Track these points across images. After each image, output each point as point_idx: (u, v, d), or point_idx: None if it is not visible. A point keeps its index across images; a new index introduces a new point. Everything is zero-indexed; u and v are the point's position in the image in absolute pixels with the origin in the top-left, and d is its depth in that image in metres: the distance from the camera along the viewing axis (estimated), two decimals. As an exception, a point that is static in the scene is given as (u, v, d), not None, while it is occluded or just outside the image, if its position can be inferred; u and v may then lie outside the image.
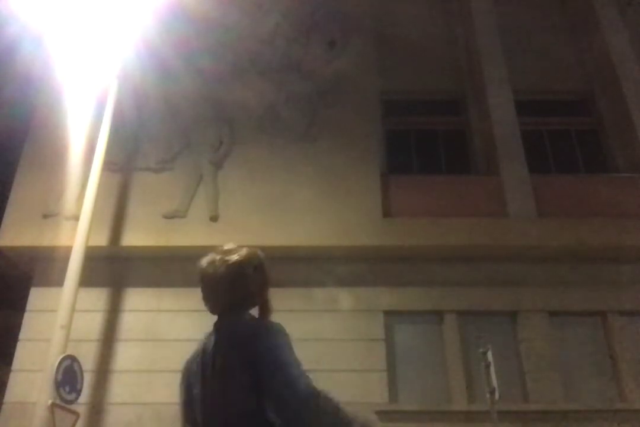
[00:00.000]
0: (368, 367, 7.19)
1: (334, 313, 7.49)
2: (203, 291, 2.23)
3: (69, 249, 6.47)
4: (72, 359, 6.02)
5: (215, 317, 2.19)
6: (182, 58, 8.52)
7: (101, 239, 7.45)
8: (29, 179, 7.96)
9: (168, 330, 7.38)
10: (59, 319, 6.03)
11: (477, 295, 7.63)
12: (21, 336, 7.28)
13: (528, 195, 8.13)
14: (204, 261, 2.27)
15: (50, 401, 5.57)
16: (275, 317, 7.38)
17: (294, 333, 6.90)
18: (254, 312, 2.18)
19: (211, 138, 8.41)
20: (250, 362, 1.88)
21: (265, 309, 2.16)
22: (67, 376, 5.86)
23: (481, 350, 6.45)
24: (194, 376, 2.05)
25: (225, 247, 2.26)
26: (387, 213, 7.96)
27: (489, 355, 6.32)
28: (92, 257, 6.65)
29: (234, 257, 2.17)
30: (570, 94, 9.69)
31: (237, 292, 2.13)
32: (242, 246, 2.25)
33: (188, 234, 7.64)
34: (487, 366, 6.26)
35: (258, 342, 1.93)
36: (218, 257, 2.22)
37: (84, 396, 6.46)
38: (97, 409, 6.93)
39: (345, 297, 7.58)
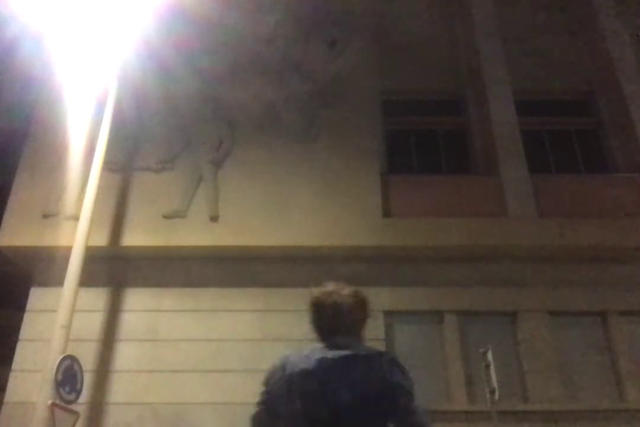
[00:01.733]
0: (368, 367, 7.18)
1: (334, 313, 7.48)
2: (316, 316, 2.54)
3: (69, 249, 6.47)
4: (72, 359, 6.02)
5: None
6: (182, 58, 8.52)
7: (101, 239, 7.45)
8: (29, 179, 7.96)
9: (168, 330, 7.38)
10: (59, 319, 6.03)
11: (477, 295, 7.63)
12: (21, 336, 7.28)
13: (528, 195, 8.13)
14: (316, 292, 2.60)
15: (50, 401, 5.57)
16: (276, 317, 7.41)
17: (295, 333, 6.95)
18: None
19: (211, 138, 8.41)
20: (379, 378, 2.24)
21: (363, 338, 2.57)
22: (67, 376, 5.86)
23: (481, 350, 6.46)
24: (301, 380, 2.30)
25: (330, 285, 2.63)
26: (387, 213, 7.97)
27: (489, 355, 6.32)
28: (92, 257, 6.65)
29: (349, 290, 2.58)
30: (570, 94, 9.68)
31: (355, 317, 2.53)
32: (346, 284, 2.62)
33: (188, 234, 7.64)
34: (487, 366, 6.26)
35: (394, 369, 2.30)
36: (331, 288, 2.58)
37: (84, 396, 6.46)
38: (97, 409, 6.93)
39: (345, 297, 7.56)
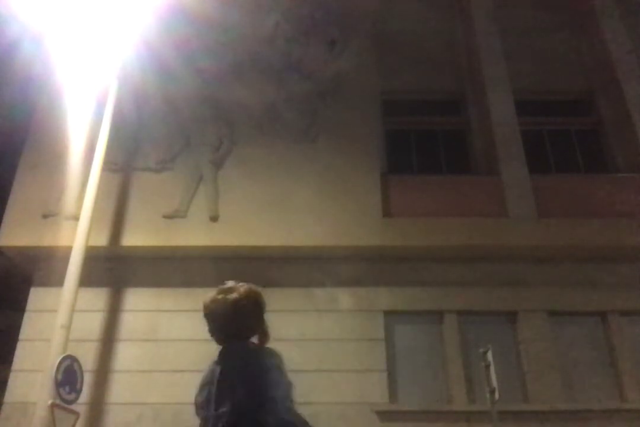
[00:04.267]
0: (368, 367, 7.19)
1: (334, 313, 7.49)
2: (208, 324, 2.51)
3: (69, 249, 6.47)
4: (72, 359, 6.02)
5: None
6: (182, 58, 8.52)
7: (101, 239, 7.45)
8: (29, 179, 7.96)
9: (168, 330, 7.38)
10: (59, 319, 6.03)
11: (477, 295, 7.63)
12: (21, 336, 7.28)
13: (528, 195, 8.13)
14: (207, 299, 2.53)
15: (50, 401, 5.57)
16: (276, 317, 7.38)
17: (294, 333, 6.95)
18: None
19: (211, 138, 8.40)
20: (248, 380, 2.26)
21: (263, 337, 2.55)
22: (67, 376, 5.86)
23: (481, 350, 6.46)
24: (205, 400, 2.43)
25: (226, 286, 2.58)
26: (387, 213, 7.96)
27: (489, 355, 6.33)
28: (92, 257, 6.65)
29: (234, 296, 2.50)
30: (570, 94, 9.68)
31: (237, 325, 2.47)
32: (241, 284, 2.62)
33: (188, 234, 7.64)
34: (487, 366, 6.26)
35: (256, 364, 2.31)
36: (220, 296, 2.50)
37: (84, 396, 6.45)
38: (97, 409, 6.93)
39: (345, 297, 7.58)
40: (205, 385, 2.48)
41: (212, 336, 2.50)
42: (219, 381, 2.35)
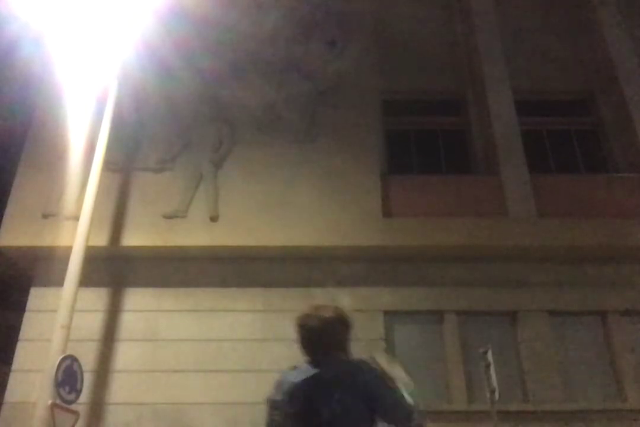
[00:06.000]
0: (368, 367, 7.18)
1: (334, 313, 7.48)
2: (300, 337, 2.74)
3: (69, 249, 6.47)
4: (72, 359, 6.02)
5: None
6: (182, 58, 8.52)
7: (101, 239, 7.45)
8: (29, 179, 7.96)
9: (168, 330, 7.38)
10: (59, 319, 6.03)
11: (477, 295, 7.63)
12: (21, 336, 7.27)
13: (528, 195, 8.13)
14: (302, 314, 2.78)
15: (50, 401, 5.57)
16: (276, 317, 7.40)
17: (294, 333, 6.88)
18: None
19: (211, 138, 8.40)
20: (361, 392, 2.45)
21: (349, 355, 2.74)
22: (67, 376, 5.86)
23: (481, 350, 6.46)
24: (288, 400, 2.58)
25: (319, 304, 2.83)
26: (387, 213, 7.96)
27: (489, 355, 6.33)
28: (92, 257, 6.65)
29: (328, 313, 2.73)
30: (570, 94, 9.68)
31: (327, 340, 2.69)
32: (330, 305, 2.83)
33: (188, 234, 7.64)
34: (487, 366, 6.26)
35: (364, 376, 2.51)
36: (314, 312, 2.75)
37: (84, 396, 6.45)
38: (97, 409, 6.93)
39: (345, 297, 7.56)
40: (297, 395, 2.56)
41: (302, 347, 2.72)
42: (326, 390, 2.47)
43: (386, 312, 7.60)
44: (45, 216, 7.67)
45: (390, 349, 7.43)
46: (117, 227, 7.69)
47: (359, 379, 2.47)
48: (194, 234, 7.64)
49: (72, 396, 5.91)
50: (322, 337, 2.67)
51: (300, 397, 2.53)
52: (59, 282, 6.31)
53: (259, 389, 7.56)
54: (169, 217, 7.78)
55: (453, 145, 9.27)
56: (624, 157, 8.89)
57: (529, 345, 7.42)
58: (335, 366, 2.58)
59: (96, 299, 7.45)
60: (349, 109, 8.67)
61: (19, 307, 7.54)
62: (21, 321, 7.38)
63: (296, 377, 2.61)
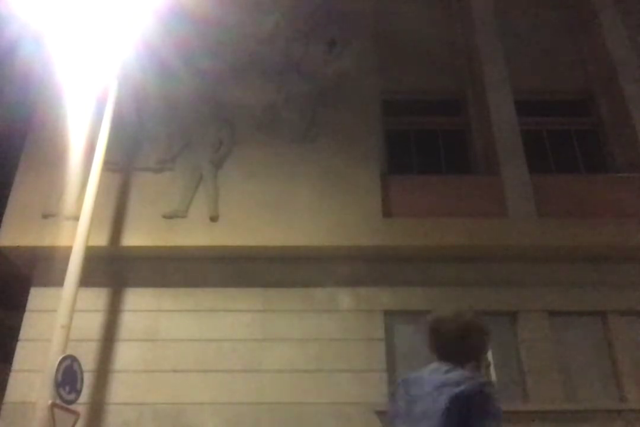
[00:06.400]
0: (368, 367, 7.19)
1: (334, 313, 7.49)
2: (432, 341, 2.72)
3: (69, 249, 6.47)
4: (72, 359, 6.02)
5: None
6: (182, 58, 8.52)
7: (101, 239, 7.45)
8: (29, 179, 7.96)
9: (168, 330, 7.38)
10: (59, 319, 6.03)
11: (477, 295, 7.62)
12: (21, 336, 7.27)
13: (528, 195, 8.13)
14: (435, 317, 2.77)
15: (50, 401, 5.56)
16: (276, 317, 7.39)
17: (294, 333, 6.95)
18: None
19: (211, 138, 8.40)
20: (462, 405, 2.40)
21: (478, 364, 2.70)
22: (67, 376, 5.86)
23: (481, 350, 6.44)
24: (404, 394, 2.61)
25: (455, 309, 2.80)
26: (387, 213, 7.96)
27: (489, 355, 6.33)
28: (92, 257, 6.65)
29: (465, 319, 2.71)
30: (570, 94, 9.68)
31: (461, 346, 2.66)
32: (467, 310, 2.80)
33: (188, 234, 7.64)
34: (487, 366, 6.27)
35: (475, 396, 2.42)
36: (449, 316, 2.72)
37: (84, 396, 6.45)
38: (97, 409, 6.93)
39: (345, 297, 7.58)
40: (405, 396, 2.59)
41: (432, 351, 2.70)
42: (450, 408, 2.42)
43: (386, 312, 7.60)
44: (45, 216, 7.67)
45: (390, 349, 7.44)
46: (117, 227, 7.69)
47: (460, 394, 2.42)
48: (194, 234, 7.64)
49: (72, 396, 5.91)
50: (453, 344, 2.65)
51: (410, 399, 2.57)
52: (59, 282, 6.31)
53: (259, 389, 7.59)
54: (169, 217, 7.78)
55: (453, 145, 9.27)
56: (624, 157, 8.89)
57: (529, 345, 7.42)
58: (450, 375, 2.55)
59: (96, 299, 7.45)
60: (349, 109, 8.67)
61: (19, 307, 7.54)
62: (21, 321, 7.38)
63: (415, 382, 2.62)
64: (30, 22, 7.84)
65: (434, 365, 2.64)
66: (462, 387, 2.42)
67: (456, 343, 2.64)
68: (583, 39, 9.93)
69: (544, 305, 7.63)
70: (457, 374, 2.52)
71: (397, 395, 2.66)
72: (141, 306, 7.54)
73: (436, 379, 2.52)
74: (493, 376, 6.18)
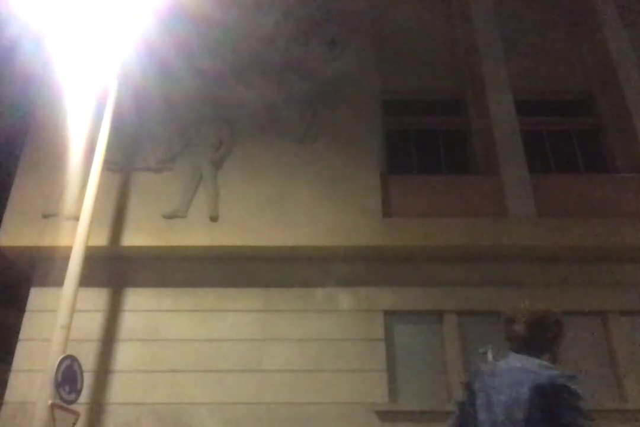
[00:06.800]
0: (368, 367, 7.19)
1: (334, 313, 7.49)
2: (509, 330, 2.82)
3: (69, 249, 6.48)
4: (72, 359, 6.02)
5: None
6: (182, 58, 8.52)
7: (101, 239, 7.45)
8: (29, 179, 7.96)
9: (168, 330, 7.39)
10: (59, 319, 6.03)
11: (477, 295, 7.63)
12: (21, 336, 7.28)
13: (528, 195, 8.13)
14: (512, 308, 2.89)
15: (50, 401, 5.57)
16: (276, 317, 7.39)
17: (294, 333, 6.96)
18: None
19: (211, 138, 8.40)
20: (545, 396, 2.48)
21: (554, 357, 2.79)
22: (67, 376, 5.86)
23: (481, 350, 6.44)
24: (481, 385, 2.71)
25: (530, 302, 2.90)
26: (387, 213, 7.96)
27: (489, 355, 6.32)
28: (92, 257, 6.66)
29: (541, 309, 2.83)
30: (570, 94, 9.68)
31: (536, 336, 2.75)
32: (541, 305, 2.89)
33: (188, 234, 7.64)
34: (487, 366, 6.26)
35: (562, 392, 2.49)
36: (526, 307, 2.84)
37: (84, 396, 6.45)
38: (97, 409, 6.93)
39: (345, 297, 7.58)
40: (483, 386, 2.69)
41: (508, 340, 2.81)
42: (532, 398, 2.48)
43: (386, 312, 7.60)
44: (45, 216, 7.67)
45: (390, 349, 7.44)
46: (117, 227, 7.69)
47: (543, 383, 2.48)
48: (194, 234, 7.64)
49: (72, 396, 5.92)
50: (529, 333, 2.71)
51: (486, 387, 2.66)
52: (59, 282, 6.31)
53: (259, 389, 7.59)
54: (169, 217, 7.78)
55: (453, 145, 9.27)
56: (624, 157, 8.89)
57: (529, 345, 7.41)
58: (522, 365, 2.62)
59: (96, 299, 7.45)
60: (349, 109, 8.67)
61: (19, 307, 7.54)
62: (21, 321, 7.38)
63: (490, 371, 2.72)
64: (30, 22, 7.84)
65: (511, 356, 2.71)
66: (545, 376, 2.48)
67: (531, 336, 2.71)
68: (583, 39, 9.93)
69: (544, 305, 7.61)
70: (536, 363, 2.59)
71: (473, 386, 2.73)
72: (141, 306, 7.54)
73: (515, 370, 2.58)
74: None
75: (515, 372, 2.57)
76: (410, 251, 7.68)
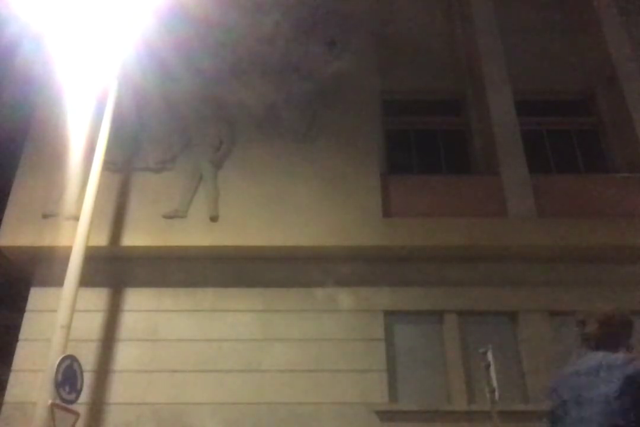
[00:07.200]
0: (368, 367, 7.20)
1: (334, 313, 7.49)
2: (582, 330, 3.04)
3: (69, 249, 6.48)
4: (72, 359, 6.02)
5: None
6: (182, 58, 8.52)
7: (101, 239, 7.45)
8: (29, 179, 7.96)
9: (168, 330, 7.39)
10: (59, 319, 6.04)
11: (477, 295, 7.63)
12: (21, 336, 7.28)
13: (528, 195, 8.13)
14: (583, 312, 3.11)
15: (50, 401, 5.57)
16: (276, 318, 7.40)
17: (294, 333, 6.97)
18: None
19: (211, 138, 8.41)
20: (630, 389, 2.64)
21: (630, 350, 2.96)
22: (67, 376, 5.86)
23: (481, 350, 6.45)
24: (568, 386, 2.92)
25: (601, 306, 3.14)
26: (387, 213, 7.96)
27: (489, 355, 6.32)
28: (92, 257, 6.65)
29: (611, 310, 3.03)
30: (570, 94, 9.68)
31: (609, 334, 2.96)
32: (610, 305, 3.15)
33: (188, 234, 7.65)
34: (487, 366, 6.26)
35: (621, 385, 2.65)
36: (597, 308, 3.06)
37: (84, 396, 6.46)
38: (97, 409, 6.93)
39: (345, 297, 7.58)
40: (563, 385, 2.94)
41: (584, 339, 3.01)
42: (622, 395, 2.62)
43: (386, 312, 7.60)
44: (45, 216, 7.68)
45: (390, 349, 7.44)
46: (117, 227, 7.69)
47: (633, 374, 2.63)
48: (194, 234, 7.64)
49: (72, 396, 5.92)
50: (602, 332, 2.92)
51: (566, 387, 2.88)
52: (59, 282, 6.31)
53: (259, 389, 7.58)
54: (169, 217, 7.79)
55: (453, 145, 9.27)
56: (624, 157, 8.89)
57: (529, 345, 7.42)
58: (596, 360, 2.80)
59: (96, 299, 7.46)
60: (349, 109, 8.68)
61: (19, 307, 7.54)
62: (21, 321, 7.38)
63: (570, 368, 2.92)
64: (30, 22, 7.84)
65: (590, 355, 2.88)
66: (631, 368, 2.63)
67: (604, 333, 2.92)
68: (583, 39, 9.92)
69: (544, 305, 7.63)
70: (619, 356, 2.75)
71: (559, 389, 2.92)
72: (141, 306, 7.54)
73: (597, 365, 2.74)
74: (493, 376, 6.17)
75: (599, 367, 2.73)
76: (411, 250, 7.68)
